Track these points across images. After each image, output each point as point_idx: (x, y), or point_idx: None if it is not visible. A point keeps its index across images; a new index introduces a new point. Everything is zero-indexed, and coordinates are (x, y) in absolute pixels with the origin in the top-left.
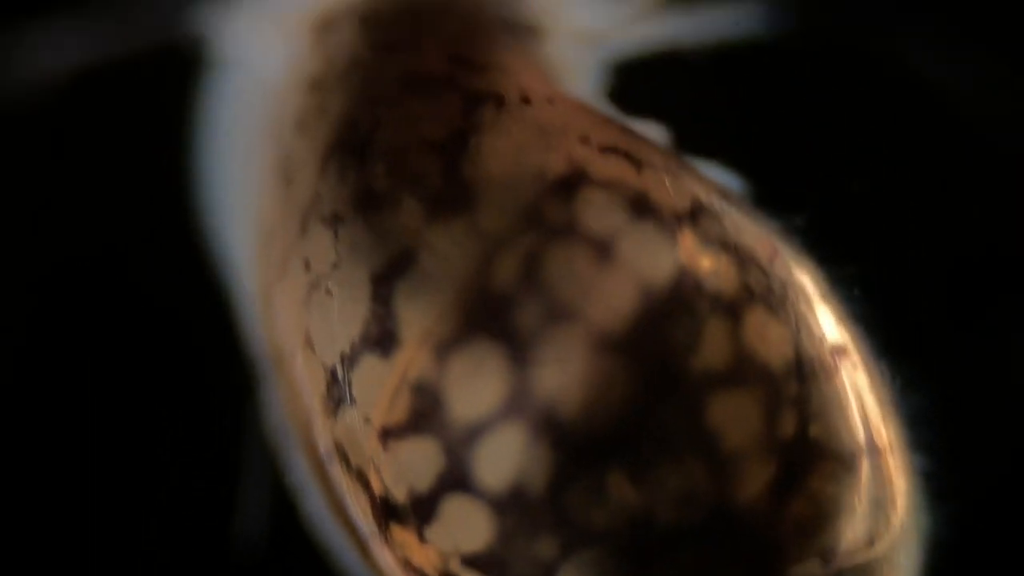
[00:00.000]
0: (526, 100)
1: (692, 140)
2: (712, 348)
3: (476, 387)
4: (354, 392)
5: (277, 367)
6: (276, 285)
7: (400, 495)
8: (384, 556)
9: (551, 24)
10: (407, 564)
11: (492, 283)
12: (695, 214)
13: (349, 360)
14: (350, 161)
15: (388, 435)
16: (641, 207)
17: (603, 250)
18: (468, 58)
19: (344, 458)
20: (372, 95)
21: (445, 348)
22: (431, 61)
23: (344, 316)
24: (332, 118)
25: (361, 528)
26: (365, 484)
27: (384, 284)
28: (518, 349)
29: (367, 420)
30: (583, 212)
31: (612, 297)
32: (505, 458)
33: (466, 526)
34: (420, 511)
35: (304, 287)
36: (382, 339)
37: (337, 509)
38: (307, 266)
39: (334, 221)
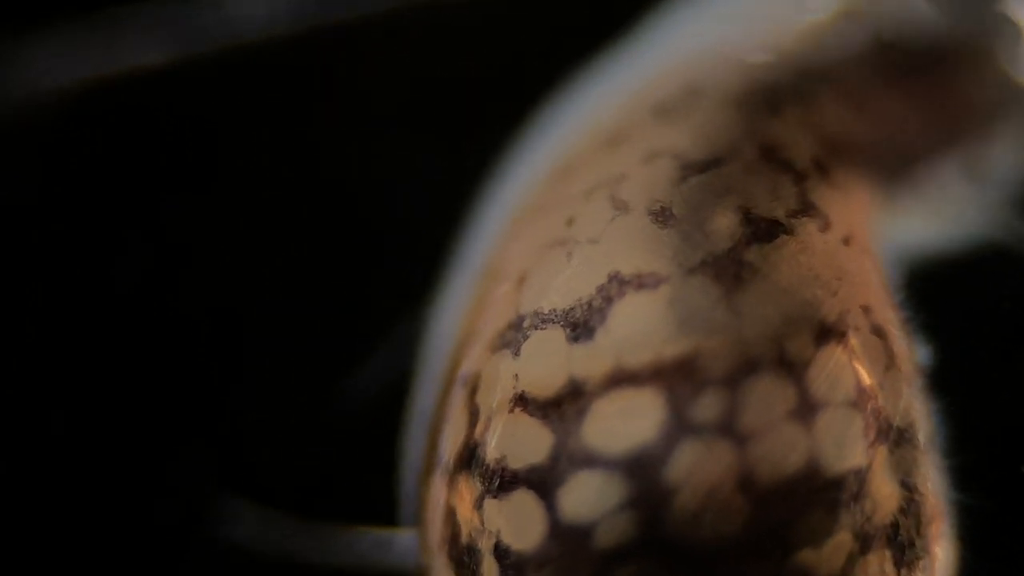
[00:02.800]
0: (846, 241)
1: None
2: (826, 556)
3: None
4: (522, 350)
5: (483, 278)
6: (531, 217)
7: (492, 458)
8: (437, 493)
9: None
10: (448, 513)
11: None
12: (900, 438)
13: (533, 324)
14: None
15: (524, 403)
16: (863, 400)
17: (806, 409)
18: (828, 166)
19: (473, 390)
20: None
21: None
22: (801, 147)
23: (567, 286)
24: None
25: (440, 456)
26: (472, 423)
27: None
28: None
29: (516, 378)
30: (820, 365)
31: (778, 449)
32: (591, 504)
33: (519, 524)
34: (495, 484)
35: (553, 237)
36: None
37: (434, 427)
38: (569, 223)
39: (620, 207)
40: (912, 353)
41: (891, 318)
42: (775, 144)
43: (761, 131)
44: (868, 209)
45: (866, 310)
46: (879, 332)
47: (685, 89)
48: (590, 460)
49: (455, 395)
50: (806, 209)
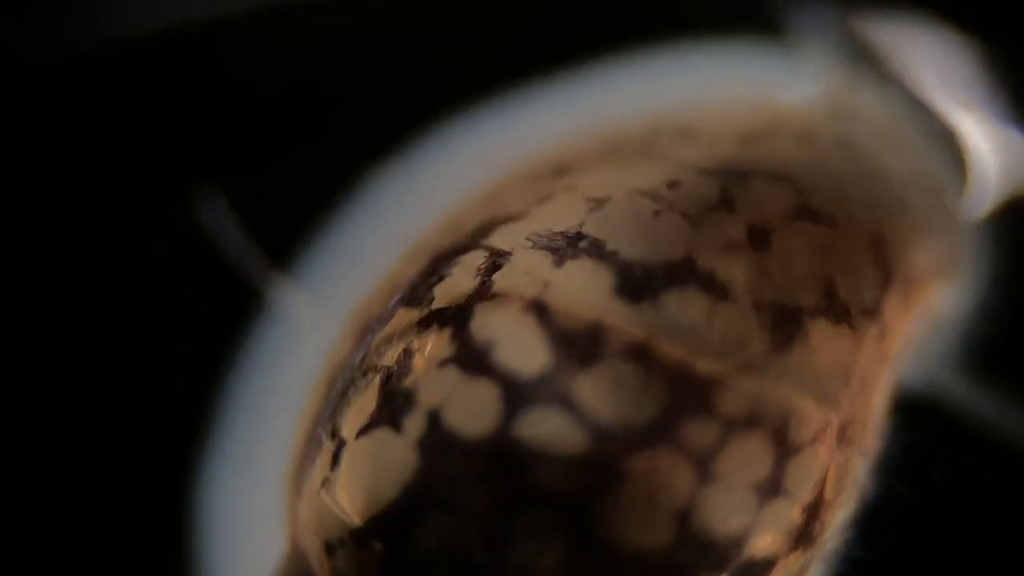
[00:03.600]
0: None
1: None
2: None
3: None
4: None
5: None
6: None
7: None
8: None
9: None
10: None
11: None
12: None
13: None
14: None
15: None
16: (778, 488)
17: (704, 464)
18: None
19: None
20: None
21: None
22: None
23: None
24: None
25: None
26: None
27: None
28: None
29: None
30: (798, 459)
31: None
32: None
33: (329, 515)
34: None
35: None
36: None
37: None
38: None
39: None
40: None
41: (867, 424)
42: (884, 240)
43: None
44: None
45: (849, 425)
46: (844, 433)
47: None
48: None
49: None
50: (875, 313)
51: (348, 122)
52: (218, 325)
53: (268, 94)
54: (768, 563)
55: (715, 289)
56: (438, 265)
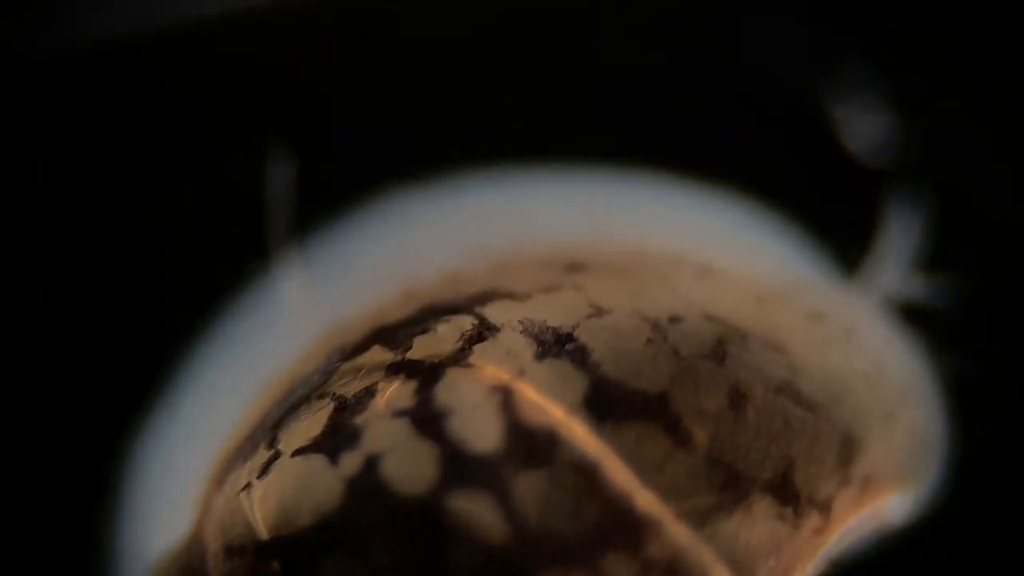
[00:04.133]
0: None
1: None
2: None
3: None
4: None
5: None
6: None
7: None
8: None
9: None
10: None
11: None
12: None
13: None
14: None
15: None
16: None
17: None
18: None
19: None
20: None
21: None
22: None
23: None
24: None
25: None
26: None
27: None
28: None
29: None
30: None
31: None
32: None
33: (241, 520)
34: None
35: None
36: None
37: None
38: None
39: None
40: None
41: None
42: (855, 441)
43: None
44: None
45: None
46: None
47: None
48: None
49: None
50: (822, 507)
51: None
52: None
53: (275, 94)
54: None
55: (679, 434)
56: (427, 316)
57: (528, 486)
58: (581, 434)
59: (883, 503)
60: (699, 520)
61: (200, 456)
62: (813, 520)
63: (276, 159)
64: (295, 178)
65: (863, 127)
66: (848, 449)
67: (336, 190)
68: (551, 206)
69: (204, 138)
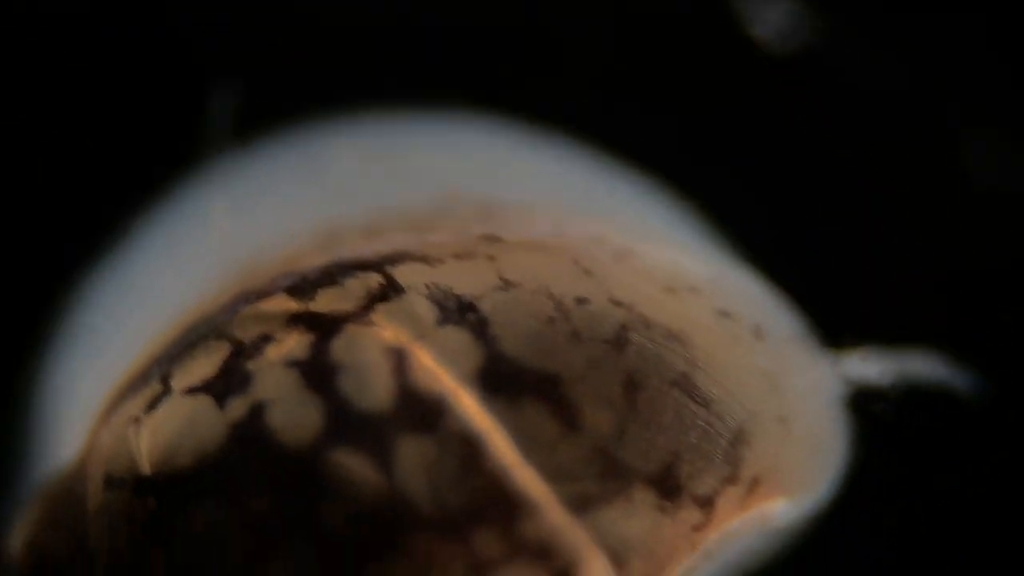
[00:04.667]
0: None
1: None
2: None
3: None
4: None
5: None
6: None
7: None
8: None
9: None
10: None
11: None
12: None
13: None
14: None
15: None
16: None
17: (477, 573)
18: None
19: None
20: None
21: None
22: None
23: None
24: None
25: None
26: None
27: None
28: None
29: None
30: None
31: None
32: None
33: (125, 453)
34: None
35: None
36: None
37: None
38: None
39: None
40: None
41: None
42: (747, 440)
43: None
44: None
45: None
46: None
47: None
48: None
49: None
50: (704, 504)
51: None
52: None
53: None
54: None
55: (569, 417)
56: (337, 269)
57: (411, 450)
58: (470, 405)
59: (770, 507)
60: (579, 506)
61: (96, 386)
62: (693, 516)
63: (194, 85)
64: (215, 106)
65: (770, 14)
66: (738, 448)
67: (255, 121)
68: (476, 164)
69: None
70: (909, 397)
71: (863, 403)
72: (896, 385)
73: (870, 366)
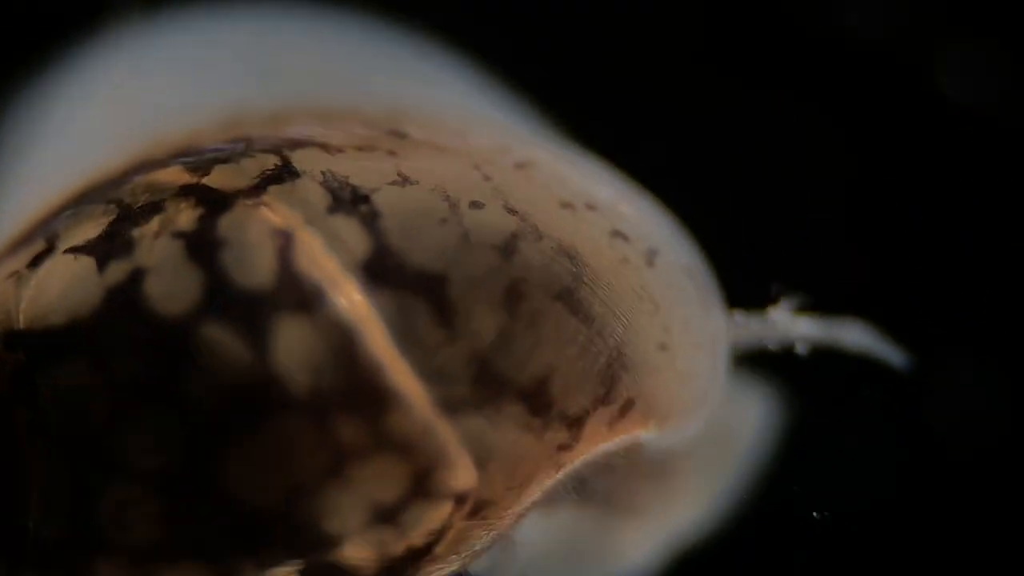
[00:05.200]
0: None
1: None
2: None
3: None
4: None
5: None
6: None
7: None
8: None
9: None
10: None
11: None
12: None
13: None
14: None
15: None
16: (394, 518)
17: (340, 460)
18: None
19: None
20: None
21: None
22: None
23: None
24: None
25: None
26: None
27: None
28: None
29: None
30: (440, 477)
31: None
32: None
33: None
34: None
35: None
36: None
37: None
38: None
39: None
40: None
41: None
42: (624, 362)
43: None
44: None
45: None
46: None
47: None
48: None
49: None
50: (573, 423)
51: None
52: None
53: None
54: (346, 573)
55: (447, 318)
56: (235, 146)
57: (286, 332)
58: (351, 294)
59: (639, 434)
60: (448, 408)
61: None
62: (560, 436)
63: None
64: None
65: None
66: (615, 368)
67: None
68: (389, 65)
69: None
70: (823, 361)
71: (773, 358)
72: (813, 348)
73: (786, 324)
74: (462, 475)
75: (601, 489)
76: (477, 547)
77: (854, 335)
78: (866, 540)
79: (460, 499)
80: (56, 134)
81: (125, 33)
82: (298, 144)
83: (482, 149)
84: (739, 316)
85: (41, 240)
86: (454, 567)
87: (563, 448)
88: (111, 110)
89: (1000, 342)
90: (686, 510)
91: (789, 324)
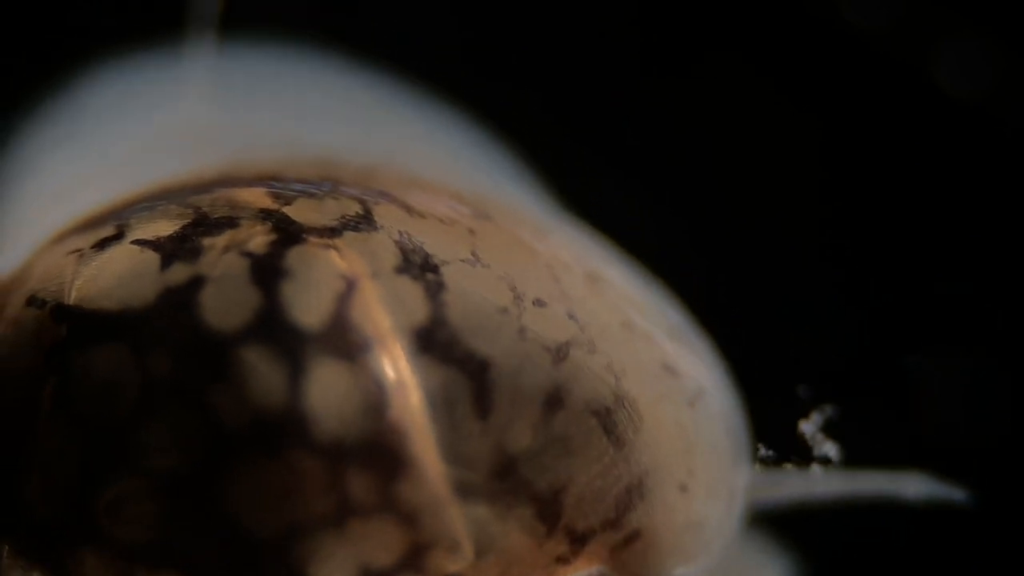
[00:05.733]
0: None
1: None
2: None
3: None
4: None
5: None
6: None
7: None
8: None
9: None
10: None
11: None
12: None
13: None
14: None
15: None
16: None
17: (343, 510)
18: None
19: None
20: None
21: None
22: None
23: None
24: None
25: None
26: None
27: None
28: None
29: None
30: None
31: None
32: None
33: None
34: None
35: None
36: None
37: None
38: None
39: None
40: None
41: None
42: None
43: None
44: None
45: None
46: None
47: None
48: None
49: None
50: (576, 540)
51: None
52: None
53: None
54: None
55: (486, 406)
56: (322, 186)
57: (323, 375)
58: (397, 355)
59: (635, 565)
60: (462, 492)
61: (52, 218)
62: (561, 548)
63: None
64: None
65: None
66: (632, 496)
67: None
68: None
69: None
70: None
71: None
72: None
73: (811, 484)
74: (459, 559)
75: None
76: None
77: (913, 486)
78: None
79: None
80: (137, 133)
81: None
82: (384, 199)
83: (558, 252)
84: (769, 474)
85: (111, 226)
86: None
87: (560, 560)
88: (204, 122)
89: (999, 341)
90: None
91: (821, 481)
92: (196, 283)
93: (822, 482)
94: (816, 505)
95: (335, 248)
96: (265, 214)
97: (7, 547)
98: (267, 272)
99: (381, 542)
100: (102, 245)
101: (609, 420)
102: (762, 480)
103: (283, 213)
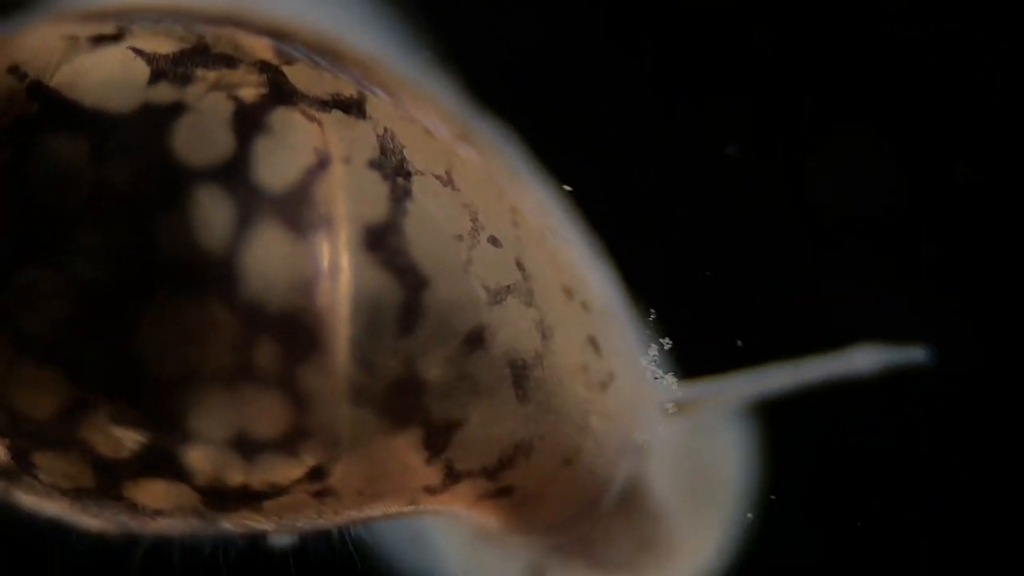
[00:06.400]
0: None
1: None
2: None
3: None
4: None
5: None
6: None
7: None
8: None
9: None
10: None
11: None
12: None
13: None
14: None
15: None
16: (251, 446)
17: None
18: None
19: None
20: None
21: None
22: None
23: None
24: None
25: None
26: None
27: None
28: None
29: None
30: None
31: None
32: None
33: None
34: None
35: None
36: None
37: None
38: None
39: None
40: None
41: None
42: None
43: None
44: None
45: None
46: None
47: None
48: None
49: None
50: (450, 475)
51: None
52: None
53: None
54: (175, 470)
55: (411, 326)
56: (325, 59)
57: (267, 238)
58: (341, 243)
59: (500, 520)
60: (357, 394)
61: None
62: (434, 479)
63: None
64: None
65: None
66: (517, 455)
67: None
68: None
69: None
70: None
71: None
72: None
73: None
74: (331, 453)
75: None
76: (298, 524)
77: (865, 360)
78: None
79: (314, 473)
80: None
81: None
82: (380, 91)
83: (524, 200)
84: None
85: (113, 25)
86: (266, 528)
87: (427, 490)
88: None
89: (1001, 339)
90: (683, 562)
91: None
92: (177, 108)
93: (771, 378)
94: (771, 400)
95: (319, 122)
96: (263, 66)
97: None
98: (248, 122)
99: (266, 415)
100: (99, 40)
101: (522, 375)
102: (713, 387)
103: (281, 71)
